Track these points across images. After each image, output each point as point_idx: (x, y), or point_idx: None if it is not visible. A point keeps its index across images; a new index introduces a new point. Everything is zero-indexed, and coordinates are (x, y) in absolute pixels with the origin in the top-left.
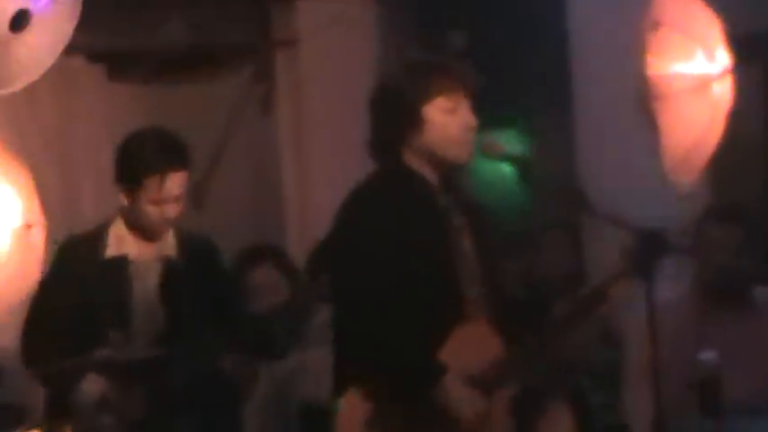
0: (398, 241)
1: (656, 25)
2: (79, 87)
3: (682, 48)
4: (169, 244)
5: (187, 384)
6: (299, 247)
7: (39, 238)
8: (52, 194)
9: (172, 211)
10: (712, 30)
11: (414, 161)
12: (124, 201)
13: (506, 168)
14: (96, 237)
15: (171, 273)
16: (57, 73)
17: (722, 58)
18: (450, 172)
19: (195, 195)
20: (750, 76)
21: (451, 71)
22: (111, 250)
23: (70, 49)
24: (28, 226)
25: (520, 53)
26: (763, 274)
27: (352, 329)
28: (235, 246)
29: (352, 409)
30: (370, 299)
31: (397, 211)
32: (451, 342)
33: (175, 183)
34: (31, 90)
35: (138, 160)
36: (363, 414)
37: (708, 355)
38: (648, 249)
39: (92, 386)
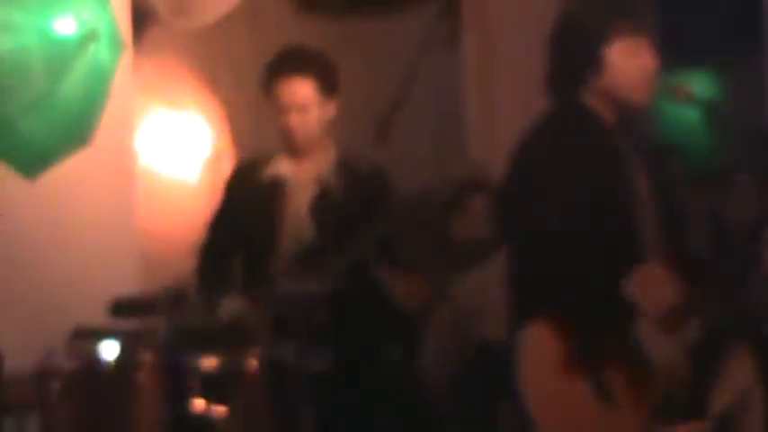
0: (575, 180)
1: None
2: (270, 20)
3: None
4: (327, 165)
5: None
6: None
7: (228, 167)
8: (242, 126)
9: (299, 120)
10: None
11: (592, 101)
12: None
13: (694, 111)
14: (262, 160)
15: (324, 193)
16: (248, 5)
17: None
18: (630, 113)
19: (380, 127)
20: None
21: (634, 12)
22: (270, 171)
23: None
24: (219, 155)
25: None
26: None
27: (536, 268)
28: (418, 178)
29: (540, 344)
30: (550, 237)
31: (574, 151)
32: (631, 283)
33: (292, 88)
34: (223, 23)
35: (266, 67)
36: (553, 349)
37: None
38: None
39: (230, 305)
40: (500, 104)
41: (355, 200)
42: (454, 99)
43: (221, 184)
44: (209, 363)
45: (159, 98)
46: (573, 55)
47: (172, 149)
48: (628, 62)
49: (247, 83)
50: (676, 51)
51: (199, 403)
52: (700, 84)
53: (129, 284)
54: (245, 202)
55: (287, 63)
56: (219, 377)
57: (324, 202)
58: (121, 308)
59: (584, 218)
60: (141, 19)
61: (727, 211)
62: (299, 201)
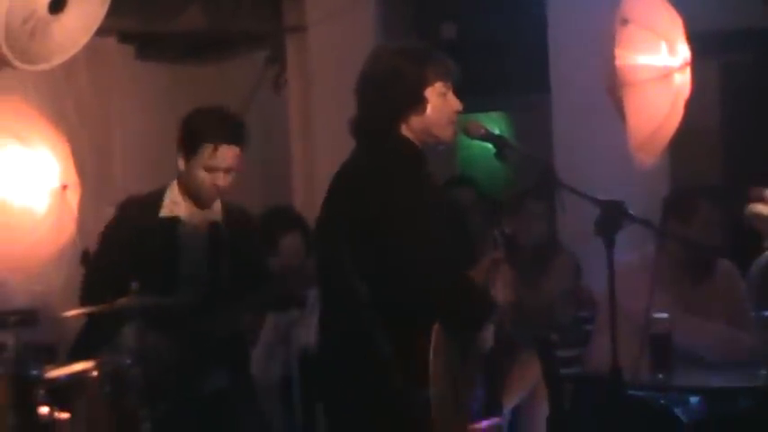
0: (401, 202)
1: (625, 21)
2: (110, 64)
3: (647, 42)
4: (216, 212)
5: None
6: (304, 213)
7: (73, 197)
8: (86, 159)
9: (221, 180)
10: (675, 27)
11: (409, 135)
12: (181, 166)
13: (488, 147)
14: (154, 198)
15: (216, 237)
16: (90, 51)
17: (683, 52)
18: (432, 148)
19: None
20: (707, 68)
21: (446, 60)
22: (165, 211)
23: (102, 31)
24: (64, 186)
25: (504, 44)
26: (723, 249)
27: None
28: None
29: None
30: (391, 254)
31: (400, 177)
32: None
33: (227, 155)
34: (68, 66)
35: (198, 130)
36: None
37: (661, 315)
38: (610, 218)
39: (133, 330)
40: (321, 141)
41: (236, 239)
42: (280, 136)
43: (67, 212)
44: (53, 373)
45: (9, 134)
46: (398, 95)
47: (22, 181)
48: (441, 102)
49: (91, 120)
50: (474, 94)
51: (43, 410)
52: (493, 122)
53: None
54: (137, 235)
55: (228, 132)
56: (63, 386)
57: (216, 244)
58: None
59: (415, 238)
60: None
61: (519, 231)
62: (194, 241)
